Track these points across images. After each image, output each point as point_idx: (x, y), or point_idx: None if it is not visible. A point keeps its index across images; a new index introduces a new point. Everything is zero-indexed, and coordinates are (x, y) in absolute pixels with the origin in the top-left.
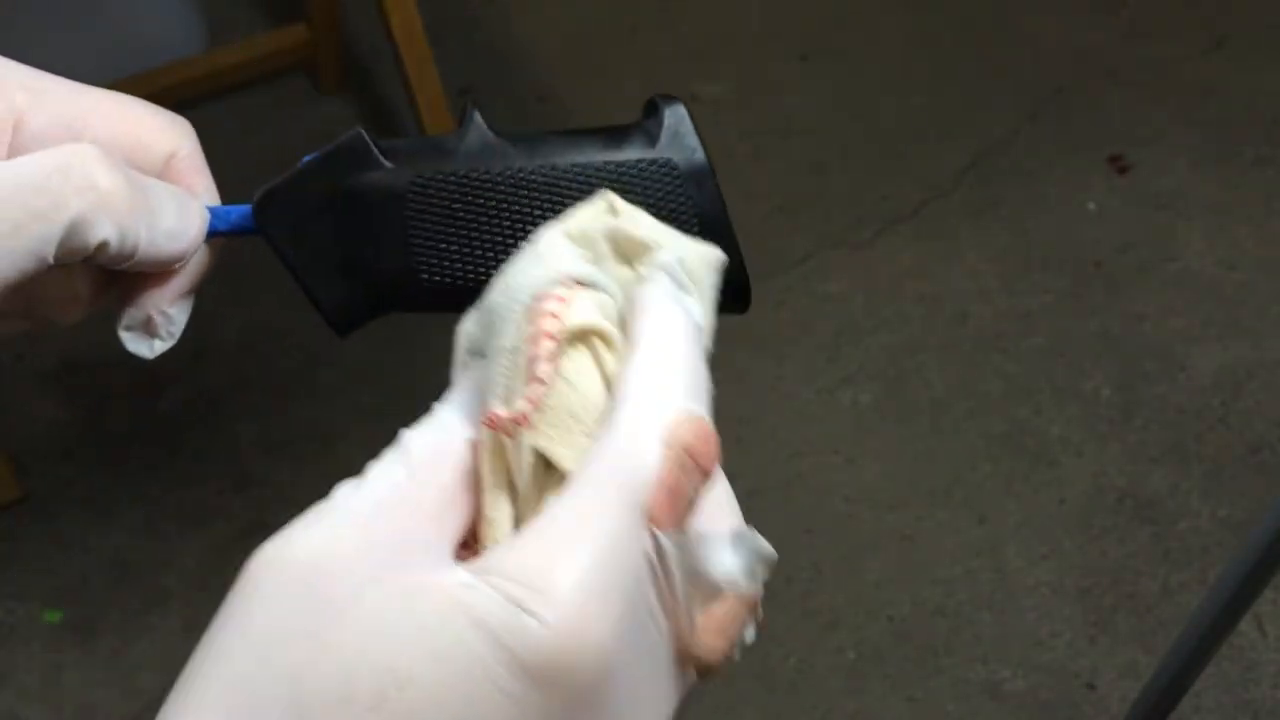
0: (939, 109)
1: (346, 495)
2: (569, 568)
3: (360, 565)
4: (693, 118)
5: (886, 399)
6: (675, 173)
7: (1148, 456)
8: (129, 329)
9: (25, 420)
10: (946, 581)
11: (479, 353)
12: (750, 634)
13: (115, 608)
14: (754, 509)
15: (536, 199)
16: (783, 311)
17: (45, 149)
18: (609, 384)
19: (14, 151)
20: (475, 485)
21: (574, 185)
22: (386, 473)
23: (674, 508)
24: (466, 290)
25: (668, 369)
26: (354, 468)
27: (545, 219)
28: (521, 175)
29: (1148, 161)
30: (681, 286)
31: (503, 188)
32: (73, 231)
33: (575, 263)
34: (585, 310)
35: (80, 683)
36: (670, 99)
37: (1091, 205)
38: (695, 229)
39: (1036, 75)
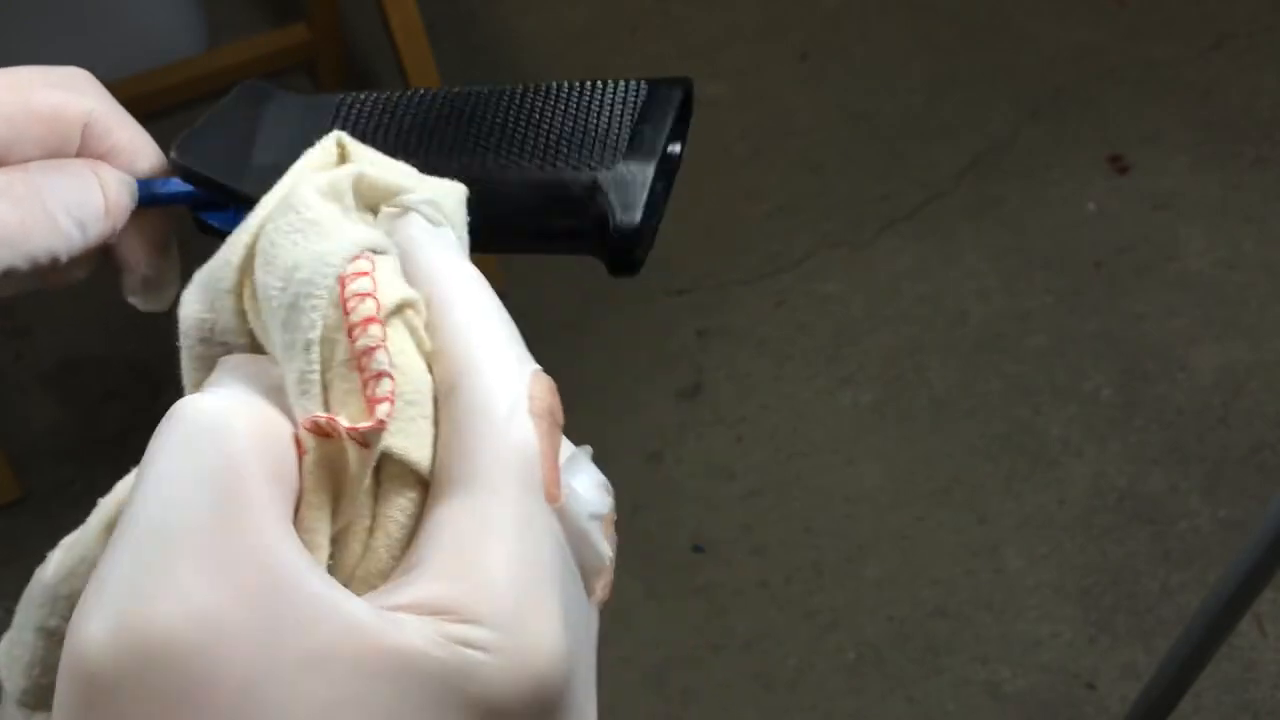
0: (939, 109)
1: (156, 515)
2: (500, 586)
3: (244, 638)
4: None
5: (886, 399)
6: (640, 86)
7: (1148, 456)
8: (133, 295)
9: (25, 420)
10: (946, 581)
11: (214, 342)
12: (611, 549)
13: None
14: (754, 509)
15: (470, 114)
16: (783, 311)
17: None
18: (424, 354)
19: None
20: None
21: (514, 100)
22: (201, 475)
23: (556, 475)
24: None
25: (488, 329)
26: None
27: (478, 133)
28: (454, 95)
29: (1148, 161)
30: (434, 223)
31: (434, 106)
32: None
33: (365, 231)
34: (394, 283)
35: None
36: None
37: (1091, 205)
38: (629, 129)
39: (1036, 75)
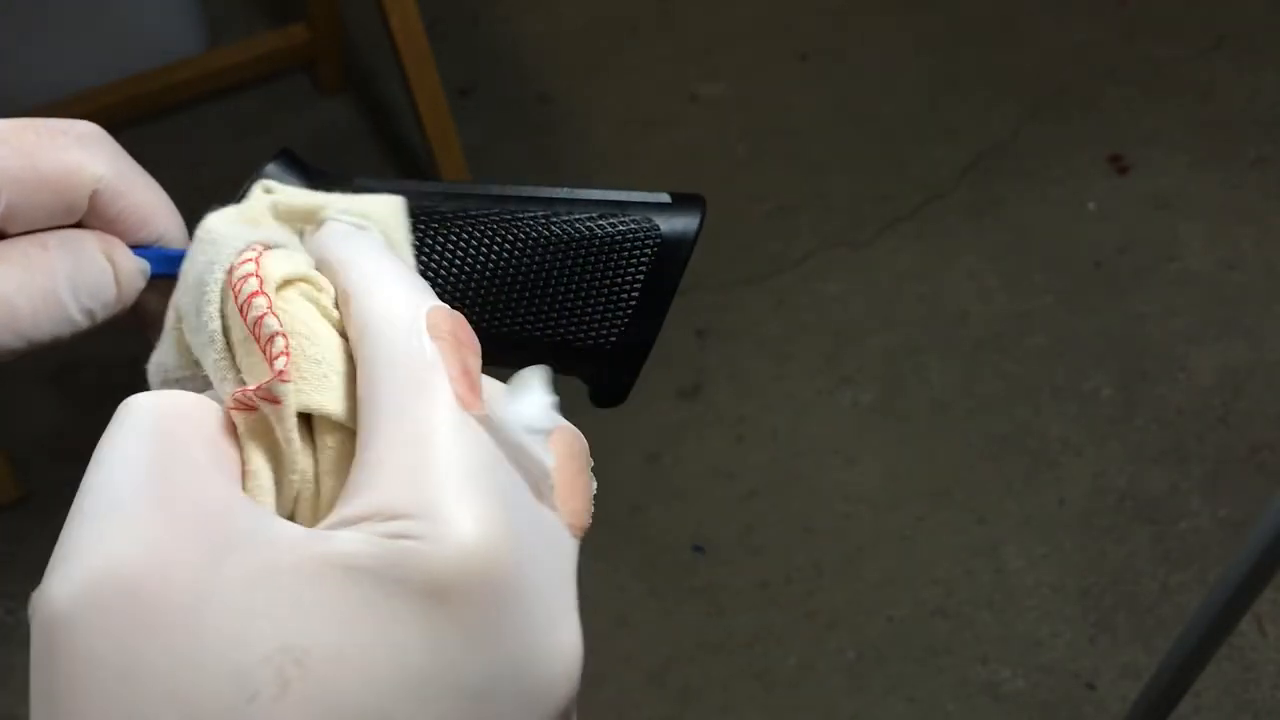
0: (939, 109)
1: (104, 482)
2: (428, 483)
3: (187, 563)
4: (703, 218)
5: (886, 399)
6: (654, 234)
7: (1148, 456)
8: None
9: (25, 420)
10: (946, 581)
11: (170, 380)
12: (593, 484)
13: None
14: (754, 509)
15: (499, 231)
16: (783, 311)
17: None
18: (333, 323)
19: None
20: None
21: (537, 214)
22: (142, 444)
23: (473, 388)
24: None
25: (386, 282)
26: None
27: (512, 249)
28: (485, 213)
29: (1148, 161)
30: (359, 226)
31: (445, 233)
32: None
33: (253, 231)
34: (281, 262)
35: None
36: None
37: (1091, 205)
38: (635, 296)
39: (1036, 75)
